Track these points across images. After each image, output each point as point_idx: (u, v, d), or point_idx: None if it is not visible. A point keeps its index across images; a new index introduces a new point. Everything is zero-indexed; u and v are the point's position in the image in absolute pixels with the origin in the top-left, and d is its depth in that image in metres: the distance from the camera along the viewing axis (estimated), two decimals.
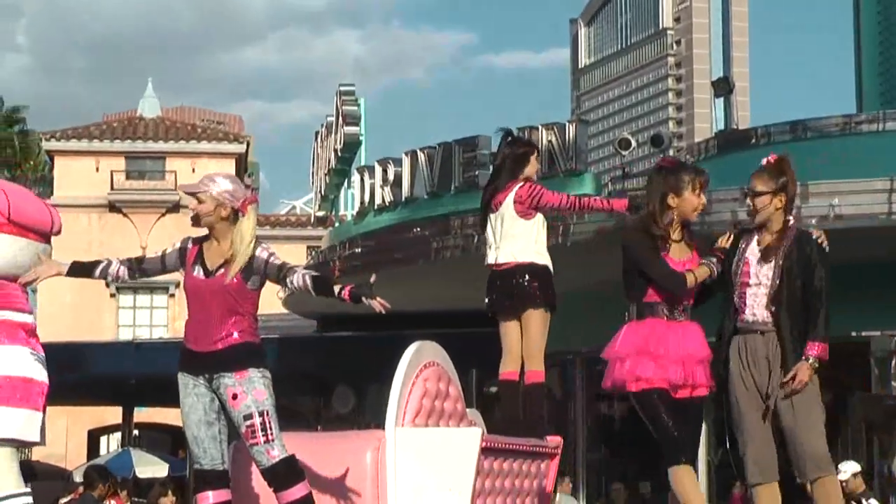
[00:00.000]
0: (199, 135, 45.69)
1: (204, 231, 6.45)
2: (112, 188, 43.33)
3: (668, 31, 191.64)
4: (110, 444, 42.02)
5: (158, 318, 43.45)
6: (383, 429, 6.85)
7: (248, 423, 6.22)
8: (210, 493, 6.38)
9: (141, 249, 42.25)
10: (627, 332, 6.63)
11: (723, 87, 24.97)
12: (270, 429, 6.22)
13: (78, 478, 21.92)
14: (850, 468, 13.32)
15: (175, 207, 42.06)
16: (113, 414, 36.89)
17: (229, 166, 42.41)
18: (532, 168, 8.00)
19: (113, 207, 43.14)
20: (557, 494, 13.90)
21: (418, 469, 6.77)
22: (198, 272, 6.36)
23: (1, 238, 6.33)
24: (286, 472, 6.23)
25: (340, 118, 27.22)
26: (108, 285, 42.25)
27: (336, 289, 6.33)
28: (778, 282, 6.51)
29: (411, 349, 7.08)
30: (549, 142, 21.45)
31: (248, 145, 46.66)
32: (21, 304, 6.41)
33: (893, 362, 19.89)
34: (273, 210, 54.15)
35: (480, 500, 6.99)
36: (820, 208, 17.58)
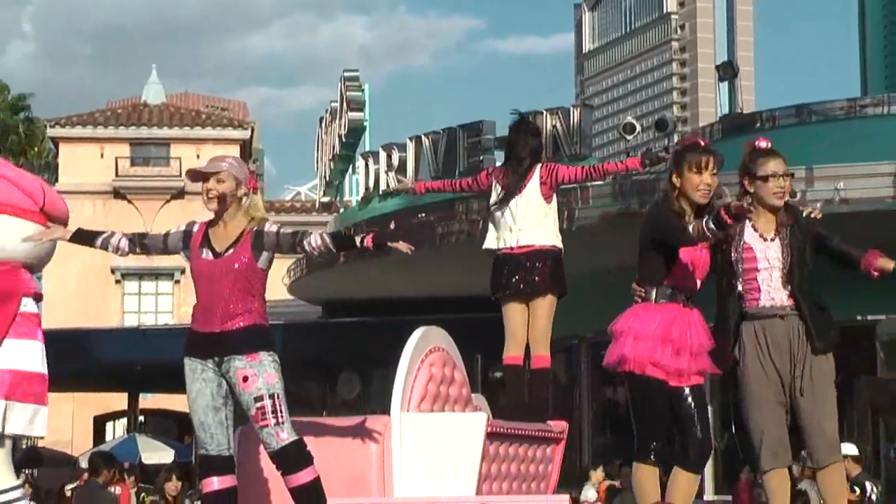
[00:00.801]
0: (204, 121, 45.68)
1: (209, 215, 6.45)
2: (117, 175, 43.32)
3: (672, 16, 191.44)
4: (116, 431, 42.10)
5: (164, 304, 43.47)
6: (389, 414, 6.85)
7: (259, 405, 6.21)
8: (215, 479, 6.38)
9: None
10: (646, 312, 6.53)
11: (727, 71, 24.90)
12: (281, 411, 6.22)
13: (84, 464, 21.99)
14: (846, 450, 13.24)
15: (180, 194, 42.05)
16: (119, 400, 36.96)
17: (234, 152, 42.32)
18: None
19: (117, 194, 43.13)
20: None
21: (424, 454, 6.77)
22: (206, 254, 6.35)
23: (31, 227, 6.38)
24: (296, 456, 6.23)
25: (345, 104, 27.21)
26: (113, 271, 42.30)
27: (357, 239, 6.32)
28: (790, 260, 6.49)
29: (416, 334, 7.08)
30: (554, 126, 21.44)
31: (252, 131, 46.64)
32: (36, 293, 6.46)
33: None
34: (278, 196, 54.19)
35: (486, 484, 6.99)
36: (825, 192, 17.56)
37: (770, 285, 6.52)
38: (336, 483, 6.54)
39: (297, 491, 6.23)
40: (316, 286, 26.86)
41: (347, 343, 27.02)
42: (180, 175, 41.61)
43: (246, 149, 45.25)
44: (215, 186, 6.35)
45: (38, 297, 6.51)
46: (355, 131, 27.15)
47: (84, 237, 6.58)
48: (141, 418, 36.40)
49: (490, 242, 8.05)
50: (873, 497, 13.87)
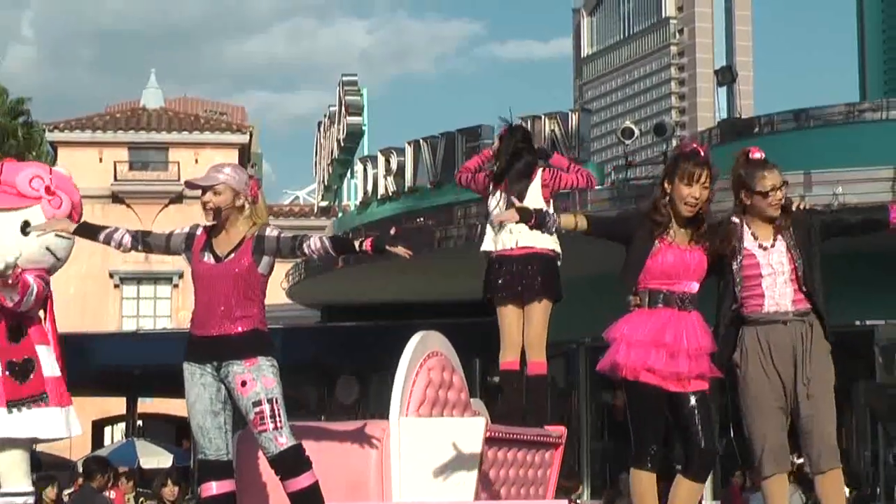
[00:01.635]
0: (203, 125, 45.66)
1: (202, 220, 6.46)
2: (115, 179, 43.30)
3: (671, 20, 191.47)
4: (114, 435, 42.05)
5: (162, 308, 43.44)
6: (387, 419, 6.85)
7: (258, 409, 6.21)
8: (214, 484, 6.38)
9: None
10: (638, 318, 6.46)
11: (726, 76, 24.92)
12: (279, 416, 6.22)
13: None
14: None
15: (178, 198, 42.02)
16: (117, 404, 36.90)
17: (232, 157, 42.35)
18: None
19: (116, 198, 43.11)
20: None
21: (422, 459, 6.77)
22: (207, 258, 6.36)
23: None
24: (294, 460, 6.23)
25: (343, 108, 27.21)
26: (111, 276, 42.27)
27: (356, 244, 6.33)
28: (797, 264, 6.49)
29: (415, 339, 7.08)
30: (552, 131, 21.45)
31: (250, 136, 46.64)
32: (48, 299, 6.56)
33: None
34: (276, 200, 54.17)
35: (485, 489, 6.99)
36: (824, 197, 17.54)
37: (775, 290, 6.51)
38: (335, 488, 6.54)
39: (296, 496, 6.23)
40: (315, 290, 26.85)
41: (346, 347, 26.99)
42: (179, 179, 41.60)
43: (244, 153, 45.24)
44: (212, 199, 6.36)
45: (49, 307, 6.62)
46: (354, 136, 27.14)
47: (88, 230, 6.61)
48: (139, 423, 36.34)
49: (487, 245, 8.04)
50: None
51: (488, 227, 8.09)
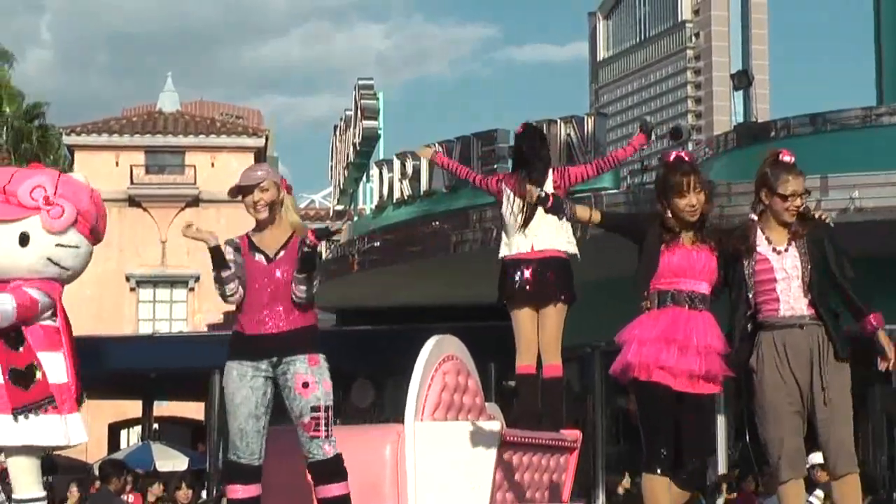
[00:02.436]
0: (219, 129, 45.74)
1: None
2: (132, 182, 43.40)
3: (687, 24, 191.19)
4: (130, 438, 42.12)
5: (178, 311, 43.50)
6: (403, 423, 6.85)
7: (315, 415, 6.21)
8: (240, 487, 6.37)
9: (160, 244, 42.33)
10: (648, 319, 6.47)
11: (742, 79, 24.88)
12: (331, 424, 6.25)
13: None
14: (815, 459, 12.95)
15: (195, 201, 42.08)
16: (133, 407, 36.96)
17: (248, 160, 42.39)
18: None
19: (132, 202, 43.20)
20: None
21: (438, 463, 6.76)
22: (259, 258, 6.37)
23: (82, 239, 6.52)
24: (335, 469, 6.27)
25: (359, 112, 27.23)
26: (128, 279, 42.32)
27: (304, 249, 6.22)
28: (809, 268, 6.47)
29: (430, 343, 7.08)
30: (568, 135, 21.41)
31: (266, 139, 46.71)
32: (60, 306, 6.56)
33: None
34: None
35: (500, 493, 6.98)
36: (840, 201, 17.48)
37: (790, 295, 6.49)
38: (350, 491, 6.53)
39: (327, 502, 6.24)
40: (329, 294, 26.81)
41: (361, 351, 26.98)
42: (195, 183, 41.69)
43: (260, 157, 45.29)
44: (262, 196, 6.36)
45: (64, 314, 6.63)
46: (369, 139, 27.17)
47: (219, 256, 6.34)
48: (155, 426, 36.39)
49: (503, 250, 8.04)
50: None
51: (503, 232, 8.10)
